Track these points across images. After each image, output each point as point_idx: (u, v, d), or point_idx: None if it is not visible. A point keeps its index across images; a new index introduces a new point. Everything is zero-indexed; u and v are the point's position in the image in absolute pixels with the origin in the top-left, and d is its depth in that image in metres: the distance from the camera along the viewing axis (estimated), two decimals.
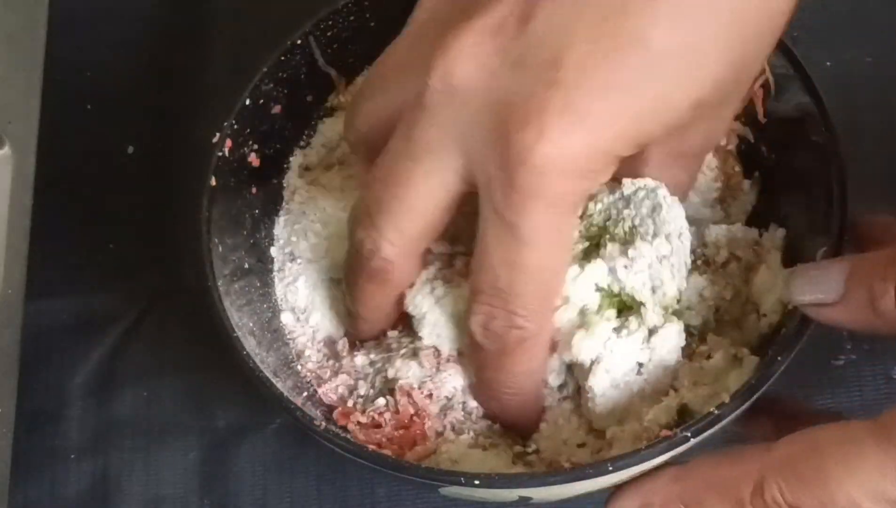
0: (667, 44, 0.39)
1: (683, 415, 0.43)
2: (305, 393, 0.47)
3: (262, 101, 0.49)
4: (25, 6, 0.64)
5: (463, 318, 0.44)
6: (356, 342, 0.48)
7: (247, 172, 0.49)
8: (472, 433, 0.46)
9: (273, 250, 0.50)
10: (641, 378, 0.44)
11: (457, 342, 0.45)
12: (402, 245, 0.43)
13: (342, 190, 0.50)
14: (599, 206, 0.45)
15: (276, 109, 0.50)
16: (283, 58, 0.49)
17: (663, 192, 0.44)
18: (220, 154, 0.47)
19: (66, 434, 0.56)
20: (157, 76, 0.63)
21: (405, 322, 0.47)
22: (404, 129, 0.42)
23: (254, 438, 0.55)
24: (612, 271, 0.43)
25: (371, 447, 0.44)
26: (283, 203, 0.51)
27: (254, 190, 0.50)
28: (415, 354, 0.46)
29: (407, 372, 0.45)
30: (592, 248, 0.44)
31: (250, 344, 0.45)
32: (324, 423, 0.43)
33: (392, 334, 0.47)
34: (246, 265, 0.48)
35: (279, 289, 0.50)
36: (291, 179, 0.51)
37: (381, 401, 0.45)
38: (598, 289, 0.44)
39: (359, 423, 0.45)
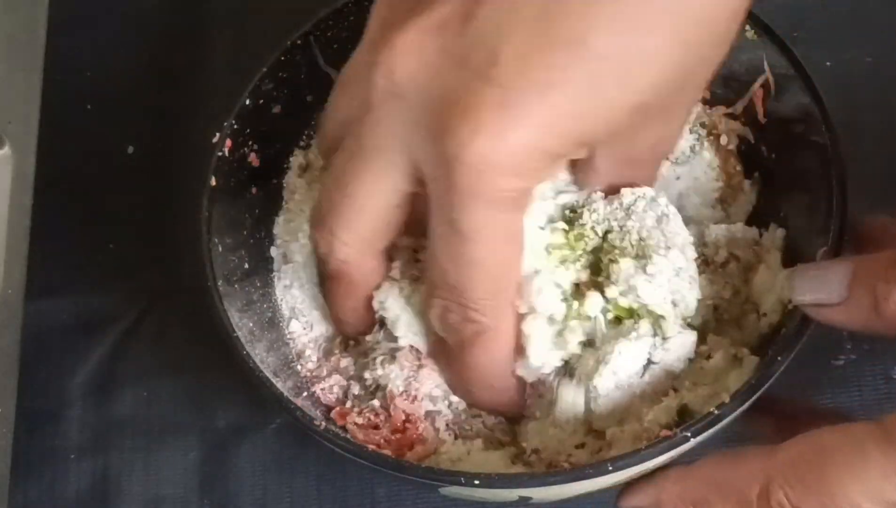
0: (605, 46, 0.38)
1: (683, 415, 0.43)
2: (305, 393, 0.47)
3: (262, 101, 0.49)
4: (25, 6, 0.64)
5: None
6: (348, 341, 0.48)
7: (247, 173, 0.49)
8: (470, 433, 0.46)
9: (273, 251, 0.50)
10: (644, 380, 0.44)
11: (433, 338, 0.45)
12: (356, 245, 0.43)
13: None
14: (595, 215, 0.44)
15: (276, 109, 0.49)
16: (283, 58, 0.49)
17: (665, 200, 0.44)
18: (220, 154, 0.47)
19: (66, 434, 0.56)
20: (157, 76, 0.63)
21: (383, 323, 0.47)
22: (355, 130, 0.42)
23: (254, 438, 0.55)
24: (633, 289, 0.43)
25: (371, 447, 0.44)
26: (283, 203, 0.51)
27: (254, 190, 0.50)
28: (393, 356, 0.46)
29: (388, 375, 0.45)
30: (595, 262, 0.44)
31: (250, 344, 0.45)
32: (324, 423, 0.43)
33: (369, 337, 0.47)
34: (246, 265, 0.48)
35: (279, 289, 0.50)
36: (291, 179, 0.51)
37: (375, 402, 0.46)
38: (608, 308, 0.43)
39: (356, 423, 0.45)
